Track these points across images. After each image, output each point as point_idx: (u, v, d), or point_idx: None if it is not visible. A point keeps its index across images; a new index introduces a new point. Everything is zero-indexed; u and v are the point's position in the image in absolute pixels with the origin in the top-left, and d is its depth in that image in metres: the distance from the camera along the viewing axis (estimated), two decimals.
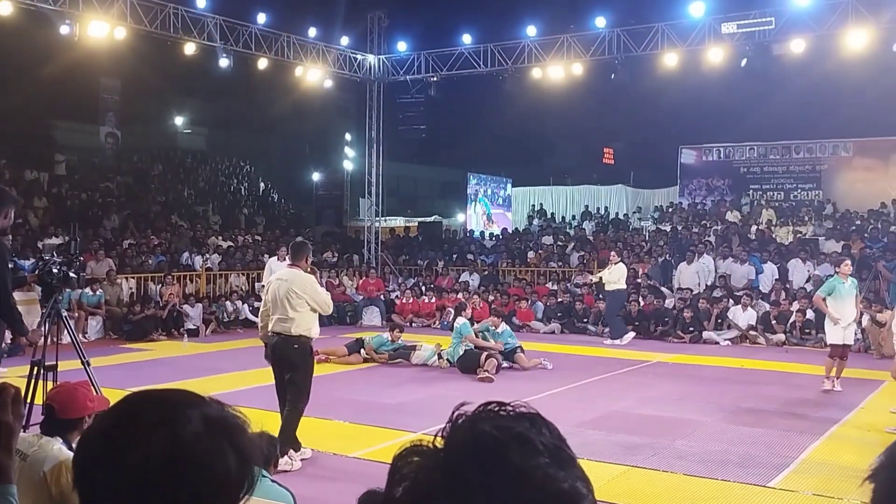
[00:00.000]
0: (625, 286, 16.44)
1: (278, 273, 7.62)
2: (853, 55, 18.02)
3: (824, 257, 18.39)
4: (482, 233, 27.71)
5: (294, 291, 7.14)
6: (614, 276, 16.12)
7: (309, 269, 7.55)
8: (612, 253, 17.32)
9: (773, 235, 21.28)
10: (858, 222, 21.59)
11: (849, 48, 17.65)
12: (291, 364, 7.17)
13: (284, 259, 14.83)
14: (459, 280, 21.31)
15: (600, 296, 17.53)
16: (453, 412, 0.99)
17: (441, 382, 11.49)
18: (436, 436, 0.97)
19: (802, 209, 23.94)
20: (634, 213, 28.24)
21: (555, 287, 19.66)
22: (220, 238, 21.43)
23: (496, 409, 0.98)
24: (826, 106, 28.62)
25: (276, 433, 5.18)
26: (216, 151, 31.65)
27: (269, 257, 16.20)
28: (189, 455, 1.13)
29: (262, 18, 20.31)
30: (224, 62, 19.26)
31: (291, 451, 6.96)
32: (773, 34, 18.30)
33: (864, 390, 10.83)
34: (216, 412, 1.21)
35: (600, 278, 16.65)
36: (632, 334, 16.03)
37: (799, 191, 25.61)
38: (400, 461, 0.96)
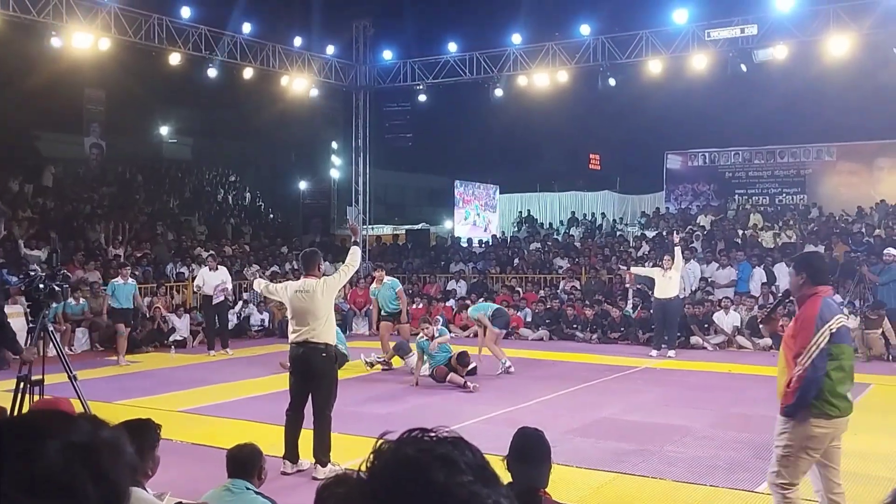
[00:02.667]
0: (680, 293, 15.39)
1: (294, 284, 7.60)
2: (835, 61, 18.21)
3: None
4: (469, 240, 27.74)
5: (316, 300, 7.20)
6: (675, 281, 14.92)
7: (353, 239, 7.94)
8: (667, 257, 15.19)
9: (760, 240, 21.42)
10: (843, 225, 21.76)
11: (831, 54, 17.84)
12: (319, 373, 7.20)
13: (216, 269, 15.09)
14: (447, 288, 21.31)
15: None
16: (377, 441, 1.02)
17: (429, 391, 11.47)
18: (359, 466, 0.99)
19: (787, 213, 24.11)
20: (621, 218, 28.37)
21: (542, 293, 19.70)
22: (204, 249, 21.35)
23: (419, 434, 1.01)
24: (810, 111, 28.86)
25: (264, 443, 5.14)
26: (202, 161, 31.56)
27: (247, 267, 16.23)
28: (40, 491, 1.09)
29: (247, 28, 20.33)
30: (210, 72, 19.25)
31: (332, 461, 7.03)
32: (756, 41, 18.48)
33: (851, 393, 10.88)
34: (82, 438, 1.17)
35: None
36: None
37: (784, 195, 25.80)
38: (325, 492, 0.98)
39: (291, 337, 7.34)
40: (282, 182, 33.48)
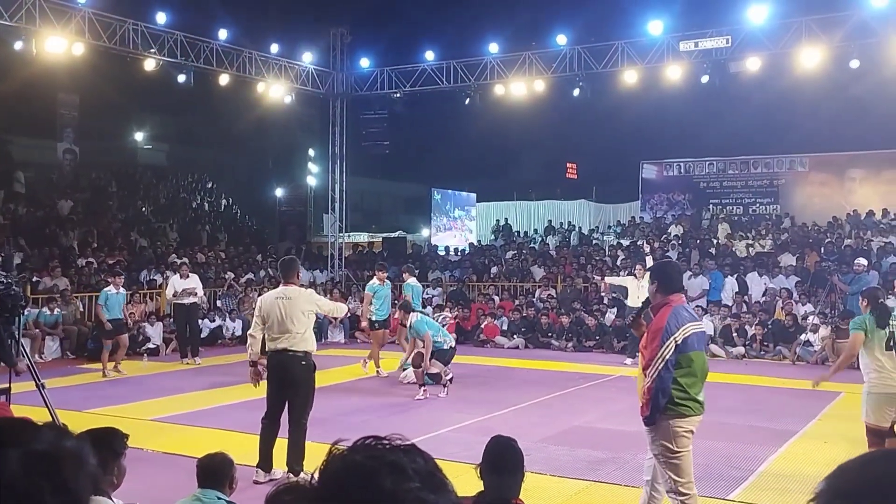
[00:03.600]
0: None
1: (273, 292, 7.58)
2: (807, 73, 18.48)
3: (778, 270, 18.84)
4: (447, 248, 27.75)
5: (297, 308, 7.19)
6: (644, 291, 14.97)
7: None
8: (639, 266, 15.41)
9: (733, 249, 21.63)
10: (817, 235, 22.03)
11: (803, 66, 18.09)
12: (298, 380, 7.18)
13: (187, 276, 14.86)
14: (423, 296, 21.26)
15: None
16: (329, 448, 1.02)
17: (403, 398, 11.44)
18: (311, 475, 1.00)
19: (761, 223, 24.37)
20: (597, 227, 28.53)
21: (518, 302, 19.74)
22: (178, 256, 21.19)
23: (371, 442, 1.02)
24: (782, 122, 29.27)
25: (235, 452, 5.09)
26: (177, 167, 31.35)
27: (173, 274, 15.96)
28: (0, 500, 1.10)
29: (223, 34, 20.24)
30: (184, 78, 19.14)
31: (305, 469, 7.00)
32: (729, 52, 18.70)
33: (821, 402, 11.01)
34: (44, 447, 1.17)
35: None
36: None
37: (757, 205, 26.08)
38: (273, 500, 0.98)
39: (269, 345, 7.27)
40: (258, 189, 33.33)
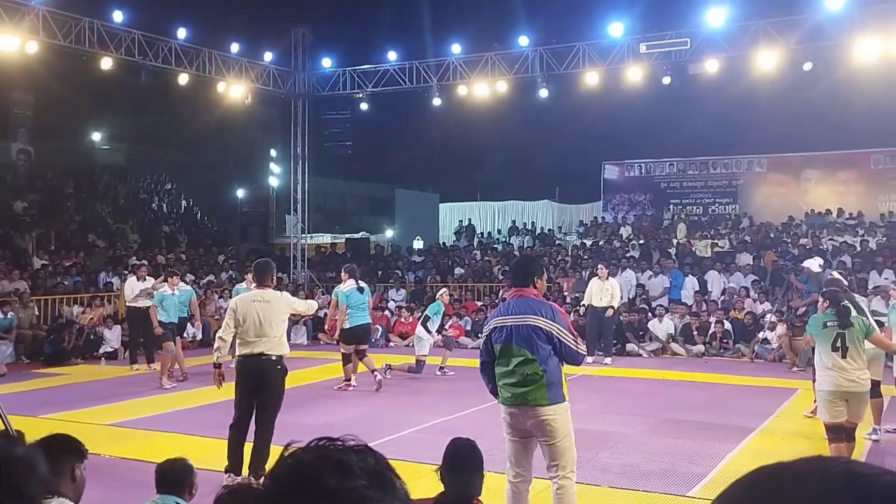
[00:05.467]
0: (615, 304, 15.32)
1: (249, 294, 7.47)
2: (765, 75, 18.79)
3: (736, 269, 19.16)
4: (409, 248, 27.73)
5: (275, 311, 7.15)
6: (607, 293, 15.01)
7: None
8: (601, 266, 15.73)
9: (693, 248, 21.93)
10: (773, 235, 22.41)
11: (760, 68, 18.39)
12: (271, 384, 7.10)
13: (144, 279, 14.28)
14: (386, 296, 21.23)
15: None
16: (282, 451, 1.03)
17: (368, 400, 11.41)
18: (266, 476, 1.01)
19: (721, 223, 24.75)
20: (560, 227, 28.73)
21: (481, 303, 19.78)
22: (138, 257, 20.88)
23: (324, 443, 1.02)
24: (741, 123, 29.76)
25: (196, 456, 5.01)
26: (136, 168, 30.89)
27: (131, 276, 15.17)
28: None
29: (182, 34, 19.97)
30: (143, 77, 18.86)
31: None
32: (688, 54, 18.93)
33: (778, 399, 11.20)
34: None
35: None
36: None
37: (717, 205, 26.47)
38: (221, 502, 0.98)
39: (243, 350, 7.13)
40: (219, 190, 32.98)
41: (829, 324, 6.92)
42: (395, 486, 0.99)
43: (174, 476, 4.38)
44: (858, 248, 19.69)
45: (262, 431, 7.04)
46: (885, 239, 20.61)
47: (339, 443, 1.02)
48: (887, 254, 18.79)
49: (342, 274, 13.00)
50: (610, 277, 15.41)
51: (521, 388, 5.29)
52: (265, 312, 7.10)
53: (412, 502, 1.00)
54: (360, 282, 12.53)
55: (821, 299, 7.31)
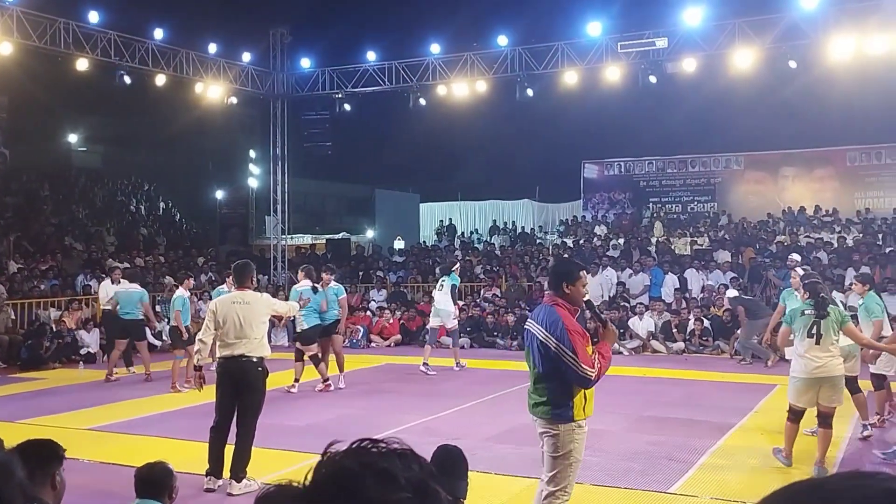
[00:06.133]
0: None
1: (229, 296, 7.43)
2: (741, 73, 18.94)
3: (715, 266, 19.30)
4: (390, 248, 27.67)
5: (256, 313, 7.13)
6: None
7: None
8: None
9: (672, 246, 22.06)
10: (751, 232, 22.60)
11: (737, 67, 18.53)
12: (253, 386, 7.07)
13: (119, 282, 14.06)
14: (367, 297, 21.19)
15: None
16: (325, 450, 0.98)
17: (349, 401, 11.38)
18: (304, 477, 0.96)
19: (700, 220, 24.91)
20: (540, 226, 28.79)
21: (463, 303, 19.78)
22: (116, 260, 20.70)
23: (368, 445, 0.98)
24: (718, 121, 29.95)
25: (176, 459, 4.96)
26: (113, 170, 30.63)
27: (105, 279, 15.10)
28: None
29: (159, 34, 19.82)
30: (120, 78, 18.69)
31: (248, 475, 6.93)
32: (666, 53, 19.04)
33: (757, 395, 11.30)
34: None
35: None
36: None
37: (695, 203, 26.65)
38: (265, 499, 0.95)
39: (224, 352, 7.09)
40: (198, 191, 32.74)
41: (806, 311, 7.27)
42: (438, 497, 0.96)
43: (154, 480, 4.35)
44: (835, 245, 19.90)
45: (244, 434, 7.00)
46: (861, 235, 20.84)
47: (383, 445, 0.99)
48: (863, 250, 19.00)
49: (299, 273, 12.99)
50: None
51: (531, 397, 5.21)
52: (245, 314, 7.06)
53: None
54: (316, 284, 12.38)
55: (801, 290, 7.68)
